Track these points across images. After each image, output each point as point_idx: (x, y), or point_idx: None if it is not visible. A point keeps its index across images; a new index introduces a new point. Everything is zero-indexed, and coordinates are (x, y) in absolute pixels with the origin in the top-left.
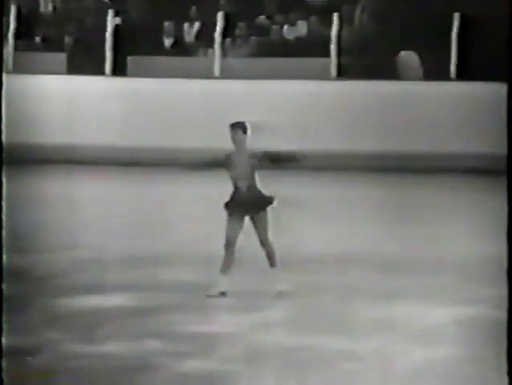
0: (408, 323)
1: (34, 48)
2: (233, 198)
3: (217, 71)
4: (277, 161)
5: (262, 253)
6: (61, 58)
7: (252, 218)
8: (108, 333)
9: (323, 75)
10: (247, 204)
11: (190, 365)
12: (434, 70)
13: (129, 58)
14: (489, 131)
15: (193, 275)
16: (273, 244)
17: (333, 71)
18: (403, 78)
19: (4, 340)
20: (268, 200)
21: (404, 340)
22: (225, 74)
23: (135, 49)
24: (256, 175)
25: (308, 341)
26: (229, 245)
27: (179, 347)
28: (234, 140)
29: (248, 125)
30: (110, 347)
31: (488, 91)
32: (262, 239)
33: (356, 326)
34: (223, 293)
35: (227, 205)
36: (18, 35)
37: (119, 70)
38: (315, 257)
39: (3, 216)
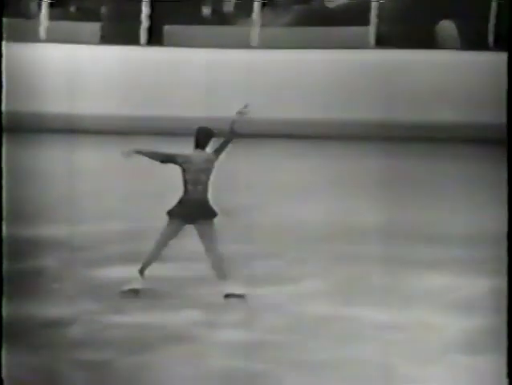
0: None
1: (69, 17)
2: (180, 203)
3: (255, 41)
4: (225, 145)
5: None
6: (95, 27)
7: (197, 228)
8: (145, 303)
9: (361, 44)
10: (191, 212)
11: (227, 335)
12: (472, 40)
13: (165, 27)
14: None
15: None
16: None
17: (372, 40)
18: (441, 47)
19: (41, 311)
20: (212, 213)
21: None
22: (264, 44)
23: (172, 18)
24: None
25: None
26: (158, 248)
27: (216, 317)
28: (197, 144)
29: (214, 132)
30: (147, 318)
31: None
32: (208, 248)
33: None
34: (136, 291)
35: (171, 211)
36: (52, 4)
37: (155, 40)
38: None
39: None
